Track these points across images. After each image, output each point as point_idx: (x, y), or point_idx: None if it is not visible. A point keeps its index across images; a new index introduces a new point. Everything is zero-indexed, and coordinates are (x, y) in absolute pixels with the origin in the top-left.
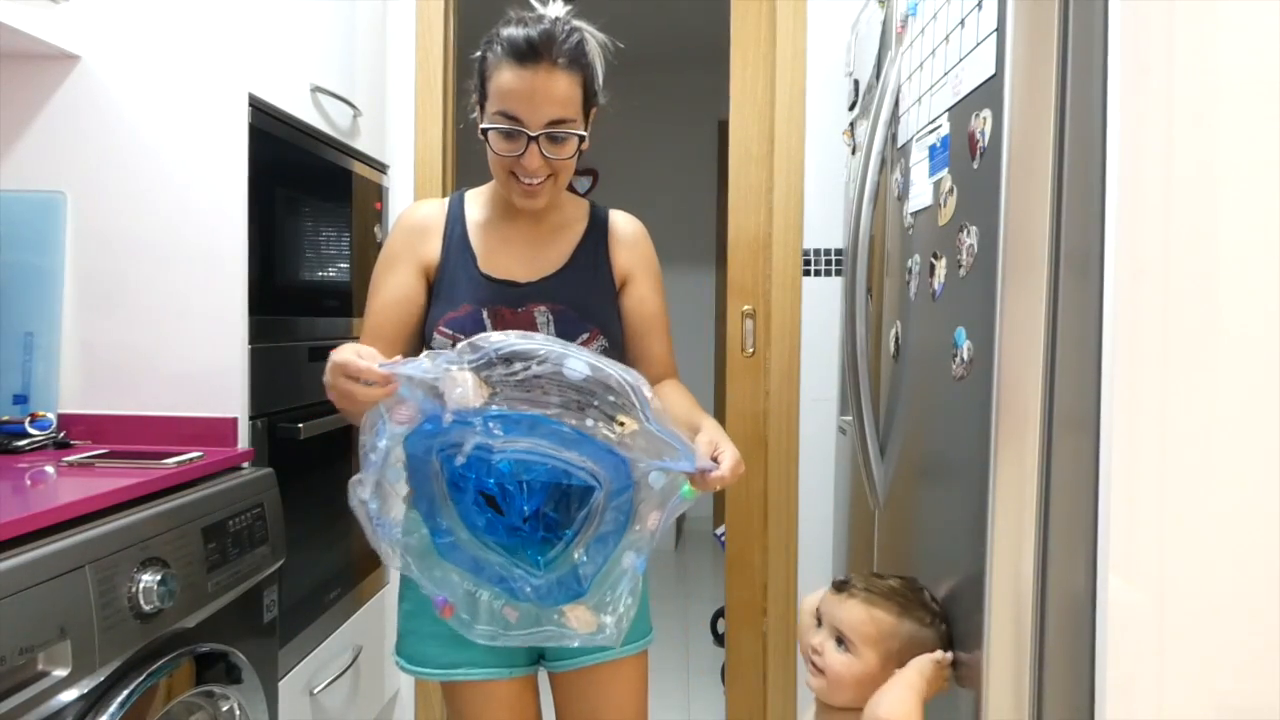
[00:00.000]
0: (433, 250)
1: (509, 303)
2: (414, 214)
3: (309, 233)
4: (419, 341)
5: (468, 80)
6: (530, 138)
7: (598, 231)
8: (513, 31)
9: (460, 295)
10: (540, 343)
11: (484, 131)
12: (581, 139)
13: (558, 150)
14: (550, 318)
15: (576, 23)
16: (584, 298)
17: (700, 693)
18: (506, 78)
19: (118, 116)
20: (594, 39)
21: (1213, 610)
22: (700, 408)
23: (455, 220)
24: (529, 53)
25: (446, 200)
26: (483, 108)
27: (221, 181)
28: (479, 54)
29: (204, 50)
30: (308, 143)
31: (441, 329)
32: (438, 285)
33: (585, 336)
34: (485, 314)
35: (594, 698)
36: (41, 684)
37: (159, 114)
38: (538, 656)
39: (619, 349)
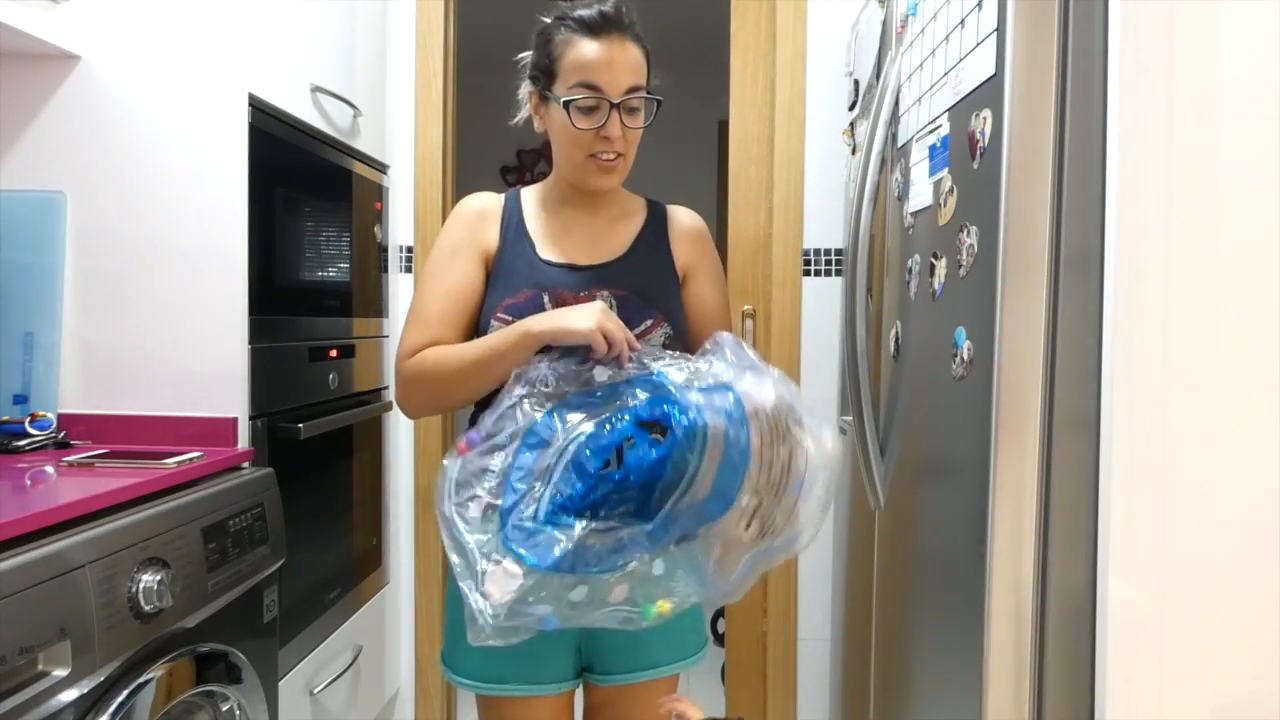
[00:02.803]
0: (491, 237)
1: (571, 287)
2: (472, 203)
3: (309, 233)
4: (474, 330)
5: (469, 79)
6: (612, 105)
7: (657, 222)
8: (583, 11)
9: (519, 282)
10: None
11: (566, 106)
12: (658, 104)
13: (634, 120)
14: (614, 303)
15: None
16: (647, 284)
17: (700, 693)
18: (584, 49)
19: (118, 116)
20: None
21: (1213, 610)
22: None
23: (512, 209)
24: (603, 24)
25: (503, 194)
26: (545, 95)
27: (221, 181)
28: (535, 43)
29: (204, 50)
30: (308, 143)
31: (500, 315)
32: (495, 274)
33: (649, 323)
34: (546, 298)
35: (628, 709)
36: (41, 684)
37: (159, 114)
38: (581, 670)
39: (683, 338)
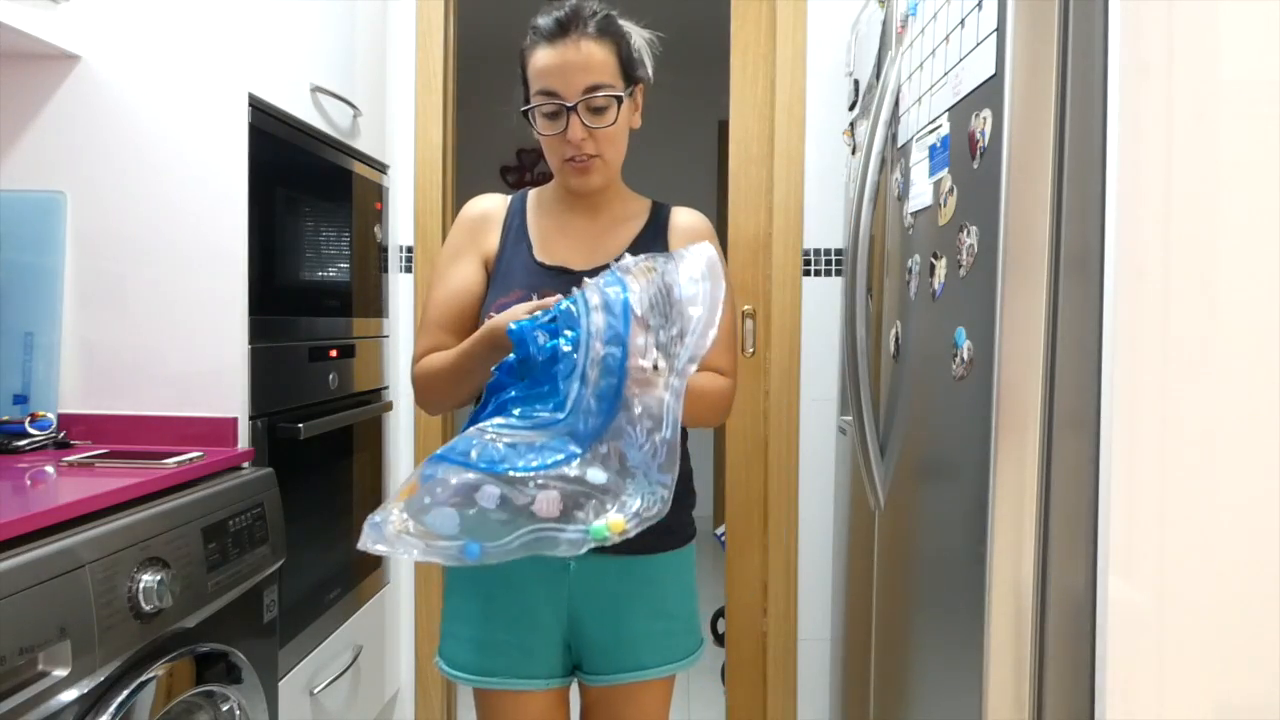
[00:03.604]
0: (492, 241)
1: (561, 289)
2: (476, 206)
3: (309, 233)
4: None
5: (469, 79)
6: (569, 108)
7: (658, 225)
8: (542, 19)
9: (513, 281)
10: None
11: (526, 115)
12: (620, 100)
13: (598, 119)
14: None
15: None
16: None
17: (700, 693)
18: (539, 57)
19: (118, 116)
20: (638, 34)
21: (1213, 610)
22: (704, 398)
23: (516, 212)
24: (557, 30)
25: (510, 195)
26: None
27: (221, 181)
28: (519, 61)
29: (204, 50)
30: (308, 143)
31: (492, 314)
32: (494, 274)
33: None
34: (535, 300)
35: (623, 710)
36: (41, 684)
37: (159, 114)
38: (573, 668)
39: None
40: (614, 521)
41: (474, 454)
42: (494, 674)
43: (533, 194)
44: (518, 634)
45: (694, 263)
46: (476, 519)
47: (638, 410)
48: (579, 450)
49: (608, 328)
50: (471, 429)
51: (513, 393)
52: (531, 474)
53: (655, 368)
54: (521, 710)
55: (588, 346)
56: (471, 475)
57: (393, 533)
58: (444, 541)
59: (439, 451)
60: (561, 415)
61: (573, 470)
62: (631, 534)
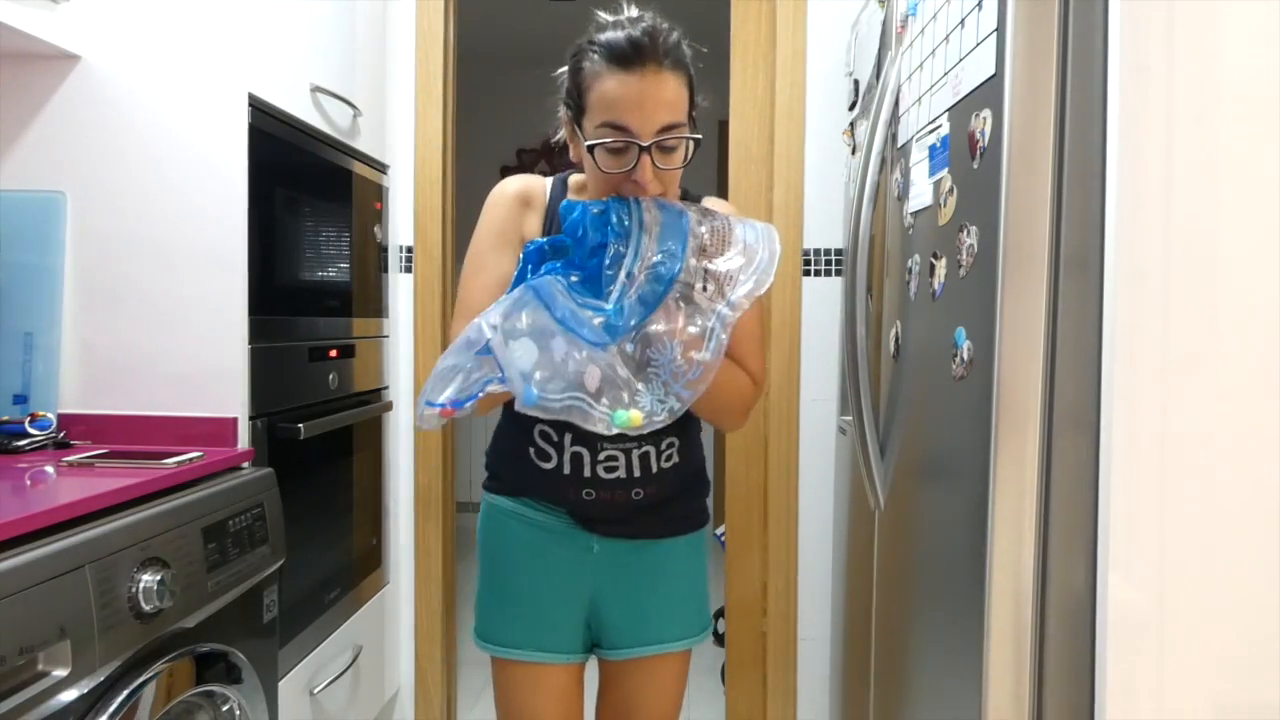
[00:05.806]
0: (534, 224)
1: None
2: (514, 184)
3: (309, 233)
4: None
5: (469, 79)
6: (642, 148)
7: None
8: (612, 35)
9: None
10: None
11: (590, 149)
12: (694, 144)
13: (669, 160)
14: None
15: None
16: None
17: (700, 693)
18: (611, 85)
19: (118, 116)
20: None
21: (1213, 610)
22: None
23: (557, 200)
24: (634, 55)
25: (548, 180)
26: (577, 124)
27: (221, 181)
28: (568, 66)
29: (204, 50)
30: (308, 143)
31: None
32: None
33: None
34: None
35: (640, 686)
36: (41, 684)
37: (159, 114)
38: (591, 645)
39: None
40: (635, 415)
41: (556, 301)
42: (519, 646)
43: (573, 181)
44: (541, 608)
45: (755, 223)
46: (544, 362)
47: (680, 323)
48: (609, 339)
49: (664, 236)
50: (546, 278)
51: (557, 265)
52: (584, 344)
53: (705, 289)
54: (541, 683)
55: (638, 247)
56: (548, 320)
57: (499, 341)
58: (516, 368)
59: (532, 281)
60: (607, 306)
61: (605, 356)
62: (644, 430)
